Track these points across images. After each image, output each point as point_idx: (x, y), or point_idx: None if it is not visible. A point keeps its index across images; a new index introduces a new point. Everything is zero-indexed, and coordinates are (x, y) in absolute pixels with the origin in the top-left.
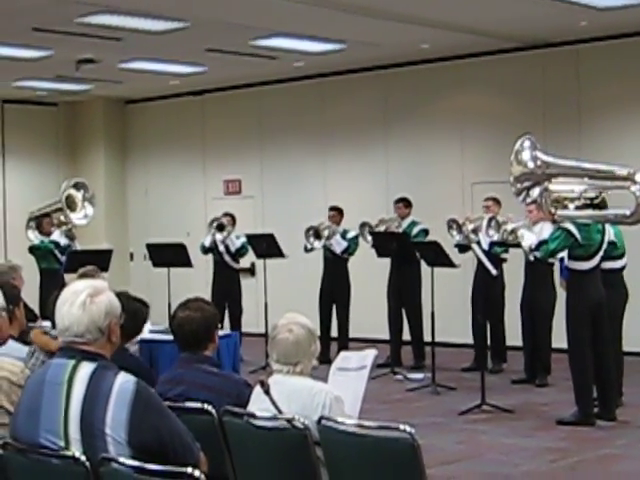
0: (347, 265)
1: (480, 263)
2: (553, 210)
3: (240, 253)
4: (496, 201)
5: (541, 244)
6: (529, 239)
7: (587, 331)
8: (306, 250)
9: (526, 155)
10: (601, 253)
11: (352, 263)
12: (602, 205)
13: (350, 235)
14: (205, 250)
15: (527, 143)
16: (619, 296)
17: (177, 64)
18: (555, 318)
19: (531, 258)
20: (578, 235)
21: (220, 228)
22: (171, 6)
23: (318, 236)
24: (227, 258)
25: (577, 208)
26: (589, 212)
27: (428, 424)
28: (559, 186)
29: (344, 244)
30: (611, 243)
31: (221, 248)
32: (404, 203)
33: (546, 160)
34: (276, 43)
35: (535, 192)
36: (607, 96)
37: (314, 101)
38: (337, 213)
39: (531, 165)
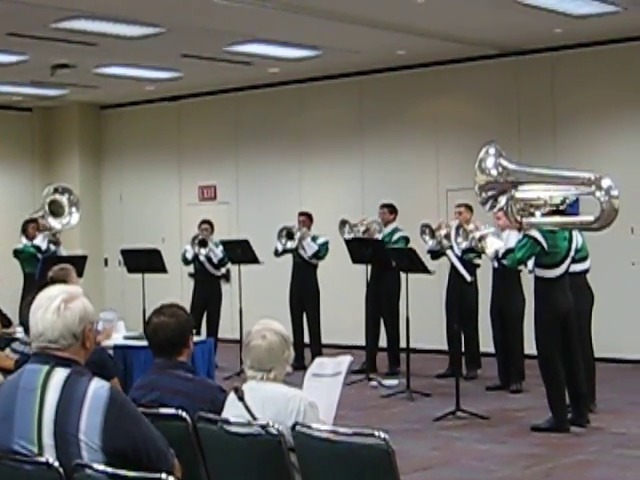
0: (316, 271)
1: (454, 269)
2: (519, 218)
3: (222, 263)
4: (468, 207)
5: (507, 253)
6: (494, 245)
7: (556, 338)
8: (276, 254)
9: (490, 163)
10: (569, 260)
11: (327, 268)
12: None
13: (320, 241)
14: (187, 262)
15: (492, 150)
16: (585, 299)
17: (153, 69)
18: (526, 324)
19: (495, 265)
20: (544, 243)
21: (203, 244)
22: (147, 11)
23: (291, 237)
24: (208, 266)
25: (543, 215)
26: (555, 219)
27: (403, 430)
28: (525, 194)
29: (315, 247)
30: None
31: (202, 258)
32: (389, 209)
33: (510, 167)
34: (251, 49)
35: (502, 200)
36: (582, 103)
37: (290, 107)
38: (307, 218)
39: (494, 173)
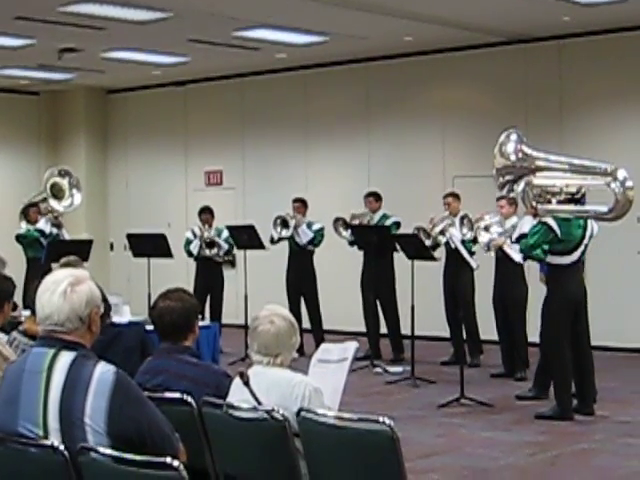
0: (312, 257)
1: (451, 257)
2: (535, 204)
3: (227, 253)
4: (455, 196)
5: (521, 238)
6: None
7: (566, 325)
8: (272, 241)
9: (510, 148)
10: (582, 248)
11: (324, 255)
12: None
13: (315, 227)
14: (191, 255)
15: (514, 136)
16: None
17: (159, 54)
18: (529, 312)
19: (492, 254)
20: (558, 230)
21: (211, 245)
22: None
23: (285, 225)
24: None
25: (559, 203)
26: (569, 207)
27: (407, 417)
28: (542, 180)
29: (310, 234)
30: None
31: (209, 253)
32: (374, 197)
33: (530, 153)
34: (259, 34)
35: (520, 186)
36: (588, 91)
37: (296, 93)
38: (301, 205)
39: (513, 158)
